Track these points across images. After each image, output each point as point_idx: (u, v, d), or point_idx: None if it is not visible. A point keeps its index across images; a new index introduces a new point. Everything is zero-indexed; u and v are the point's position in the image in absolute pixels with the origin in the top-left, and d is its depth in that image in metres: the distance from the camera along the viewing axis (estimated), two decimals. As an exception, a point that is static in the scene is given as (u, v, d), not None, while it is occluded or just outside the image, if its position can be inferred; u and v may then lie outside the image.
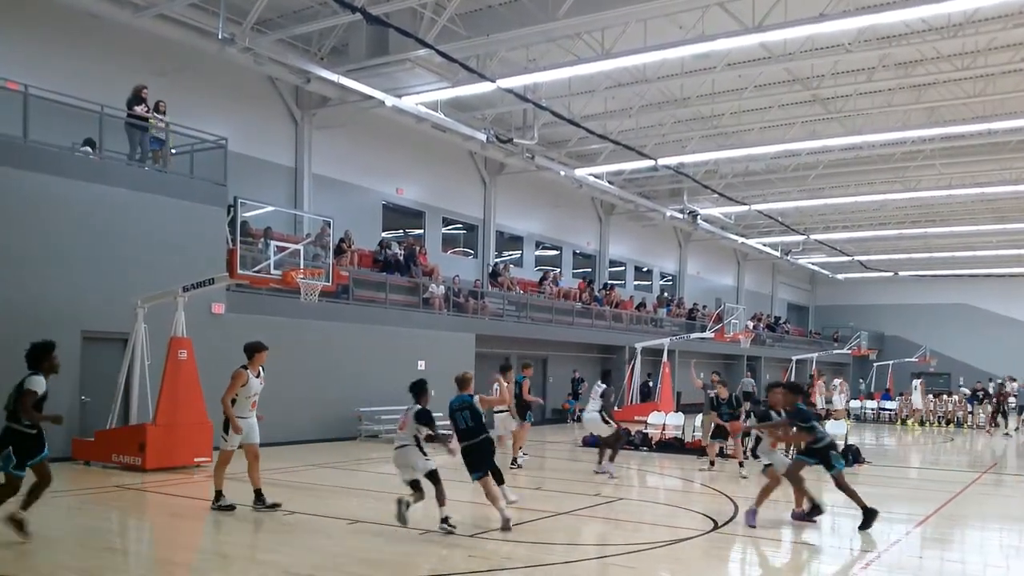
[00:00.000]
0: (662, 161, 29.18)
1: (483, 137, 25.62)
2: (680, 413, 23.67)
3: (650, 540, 9.83)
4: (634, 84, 24.50)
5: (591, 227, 38.77)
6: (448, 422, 10.56)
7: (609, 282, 38.37)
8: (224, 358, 17.04)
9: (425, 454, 10.07)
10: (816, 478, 11.98)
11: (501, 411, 17.15)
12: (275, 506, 11.19)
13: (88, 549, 9.09)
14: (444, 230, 30.27)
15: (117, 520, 11.44)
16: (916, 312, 57.00)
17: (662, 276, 45.49)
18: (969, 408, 33.25)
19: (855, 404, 36.45)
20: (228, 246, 16.94)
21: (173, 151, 18.07)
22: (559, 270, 35.87)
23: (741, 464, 16.46)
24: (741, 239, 44.35)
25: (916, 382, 33.66)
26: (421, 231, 29.08)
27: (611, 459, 15.51)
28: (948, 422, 32.43)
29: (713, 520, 11.09)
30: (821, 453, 10.98)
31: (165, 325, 15.33)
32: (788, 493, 11.54)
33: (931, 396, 34.39)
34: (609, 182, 32.63)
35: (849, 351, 49.64)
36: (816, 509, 11.22)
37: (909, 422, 33.02)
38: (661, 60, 21.42)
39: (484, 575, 7.91)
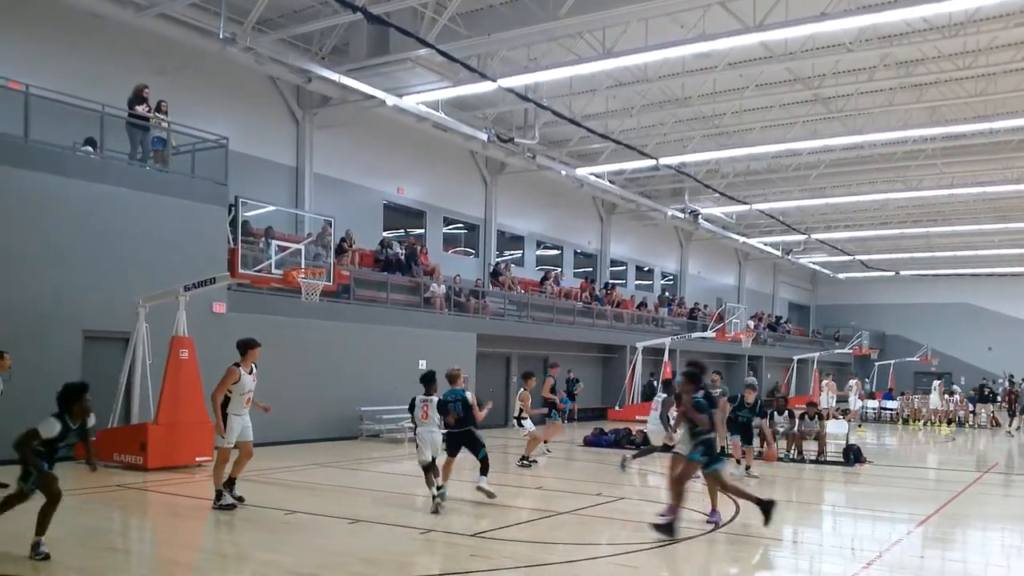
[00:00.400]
0: (663, 160, 29.18)
1: (484, 136, 25.62)
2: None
3: (651, 540, 9.82)
4: (635, 83, 24.50)
5: (592, 226, 38.77)
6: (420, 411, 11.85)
7: (610, 282, 38.36)
8: (225, 357, 17.03)
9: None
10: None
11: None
12: (238, 499, 11.25)
13: (89, 548, 9.10)
14: (445, 230, 30.27)
15: (119, 519, 11.44)
16: (917, 311, 57.00)
17: (663, 276, 45.48)
18: (971, 407, 33.21)
19: (857, 404, 36.39)
20: (229, 245, 16.93)
21: (175, 150, 18.06)
22: (560, 270, 35.87)
23: (748, 468, 16.13)
24: (742, 238, 44.34)
25: (936, 383, 33.39)
26: (422, 231, 29.08)
27: (634, 457, 16.44)
28: (950, 422, 32.38)
29: (714, 520, 11.07)
30: (701, 444, 10.36)
31: (166, 324, 15.33)
32: (788, 493, 11.51)
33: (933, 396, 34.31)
34: (610, 181, 32.62)
35: (850, 351, 49.64)
36: (672, 518, 10.15)
37: (930, 424, 32.65)
38: (662, 59, 21.42)
39: (485, 574, 7.90)
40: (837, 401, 32.32)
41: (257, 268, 15.37)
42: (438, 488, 11.16)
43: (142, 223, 16.67)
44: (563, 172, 30.41)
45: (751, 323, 40.63)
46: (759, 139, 29.44)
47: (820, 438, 18.57)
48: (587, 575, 8.46)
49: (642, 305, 39.13)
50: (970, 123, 26.26)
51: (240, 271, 14.87)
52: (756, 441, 17.93)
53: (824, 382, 34.19)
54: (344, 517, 10.76)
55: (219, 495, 11.09)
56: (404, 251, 25.77)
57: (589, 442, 21.00)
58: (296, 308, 18.73)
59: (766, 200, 38.08)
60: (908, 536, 10.87)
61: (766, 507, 10.30)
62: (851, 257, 49.85)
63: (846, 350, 49.49)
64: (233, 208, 16.91)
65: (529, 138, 26.28)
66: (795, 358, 42.37)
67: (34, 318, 15.02)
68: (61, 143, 16.12)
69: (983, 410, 33.01)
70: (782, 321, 54.56)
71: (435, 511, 10.84)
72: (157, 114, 17.63)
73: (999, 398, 35.25)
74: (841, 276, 57.35)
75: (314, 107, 23.94)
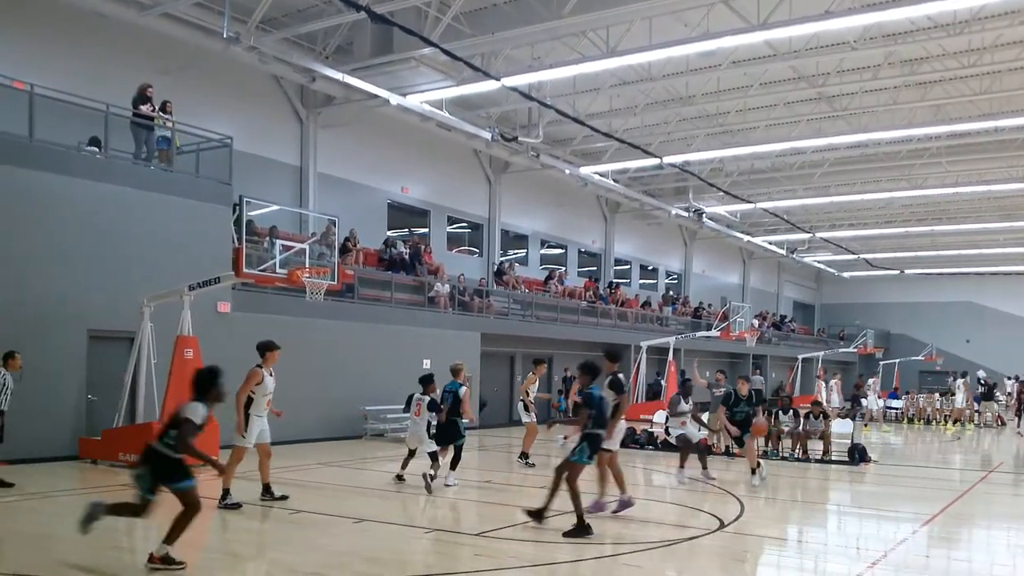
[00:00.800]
0: (667, 159, 29.14)
1: (488, 135, 25.60)
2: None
3: (657, 539, 9.82)
4: (639, 82, 24.48)
5: (596, 225, 38.75)
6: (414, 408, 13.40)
7: (614, 281, 38.35)
8: (230, 357, 17.03)
9: (431, 436, 13.21)
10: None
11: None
12: (284, 497, 11.42)
13: (94, 548, 9.10)
14: (449, 229, 30.27)
15: (124, 519, 11.41)
16: (922, 310, 56.92)
17: (667, 274, 45.45)
18: (976, 406, 33.10)
19: (867, 403, 36.28)
20: (234, 245, 16.96)
21: (179, 149, 18.08)
22: (564, 269, 35.86)
23: (754, 471, 14.51)
24: (747, 237, 44.29)
25: (959, 381, 33.11)
26: (426, 230, 29.09)
27: (680, 466, 15.03)
28: (955, 421, 32.29)
29: (719, 519, 11.06)
30: (585, 441, 10.21)
31: (171, 324, 15.35)
32: (792, 493, 11.49)
33: (938, 395, 34.23)
34: (614, 180, 32.59)
35: (855, 349, 49.57)
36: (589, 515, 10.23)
37: (954, 424, 32.44)
38: (666, 58, 21.40)
39: (490, 573, 7.90)
40: (852, 401, 32.12)
41: (261, 267, 15.38)
42: (431, 476, 12.64)
43: (147, 223, 16.69)
44: (567, 171, 30.39)
45: (755, 322, 40.61)
46: (763, 137, 29.41)
47: (825, 437, 18.53)
48: (591, 575, 8.46)
49: (646, 304, 39.11)
50: (975, 121, 26.21)
51: (244, 270, 14.89)
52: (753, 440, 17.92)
53: (832, 381, 34.14)
54: (349, 516, 10.77)
55: (225, 494, 11.11)
56: (408, 250, 25.78)
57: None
58: (300, 307, 18.75)
59: (770, 199, 38.04)
60: (913, 535, 10.85)
61: (579, 530, 9.69)
62: (856, 256, 49.78)
63: (851, 349, 49.41)
64: (237, 208, 16.93)
65: (533, 137, 26.27)
66: (800, 357, 42.30)
67: (39, 318, 15.05)
68: (65, 143, 16.16)
69: (987, 409, 32.89)
70: (787, 320, 54.50)
71: (428, 489, 12.46)
72: (161, 113, 17.65)
73: (1002, 397, 35.13)
74: (846, 275, 57.28)
75: (318, 106, 23.95)
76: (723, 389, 19.22)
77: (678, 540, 9.78)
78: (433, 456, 13.02)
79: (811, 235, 44.05)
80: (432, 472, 12.73)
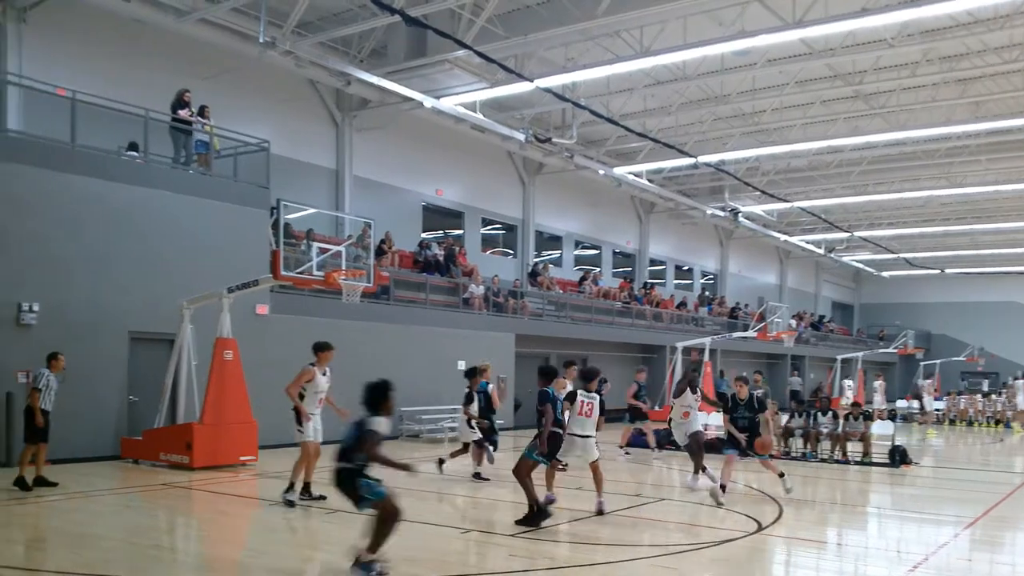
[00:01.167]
0: (702, 159, 28.98)
1: (522, 137, 25.62)
2: (722, 413, 23.34)
3: (693, 541, 9.77)
4: (674, 81, 24.36)
5: (631, 226, 38.62)
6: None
7: (649, 281, 38.18)
8: (268, 358, 17.34)
9: (472, 428, 14.35)
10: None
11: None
12: (322, 497, 11.51)
13: (136, 546, 9.25)
14: (483, 230, 30.34)
15: (164, 518, 11.62)
16: (963, 310, 55.99)
17: (703, 275, 45.17)
18: (1022, 408, 32.52)
19: (901, 404, 35.86)
20: (271, 248, 17.11)
21: (218, 153, 18.31)
22: (599, 269, 35.78)
23: (782, 475, 13.20)
24: (784, 237, 43.86)
25: (1020, 381, 32.62)
26: (460, 231, 29.18)
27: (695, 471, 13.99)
28: (998, 422, 31.77)
29: (757, 521, 10.98)
30: (537, 439, 10.59)
31: (210, 326, 15.54)
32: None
33: (979, 396, 33.71)
34: (649, 180, 32.44)
35: (895, 350, 48.86)
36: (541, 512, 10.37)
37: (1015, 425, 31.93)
38: (701, 57, 21.29)
39: (525, 574, 7.91)
40: (918, 401, 31.63)
41: (299, 270, 15.51)
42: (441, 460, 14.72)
43: (186, 226, 16.93)
44: (601, 172, 30.32)
45: (793, 322, 40.18)
46: (800, 136, 29.13)
47: (865, 439, 18.32)
48: (628, 576, 8.44)
49: (682, 305, 38.90)
50: (1016, 118, 25.68)
51: (282, 273, 15.02)
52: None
53: (876, 383, 33.78)
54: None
55: (291, 487, 11.51)
56: (443, 252, 25.88)
57: (629, 443, 20.86)
58: (337, 309, 18.88)
59: (807, 198, 37.66)
60: (955, 539, 10.69)
61: (534, 516, 10.11)
62: (895, 255, 49.09)
63: (891, 349, 48.72)
64: (275, 211, 17.10)
65: (567, 138, 26.25)
66: (839, 358, 41.80)
67: (81, 320, 15.32)
68: (106, 148, 16.45)
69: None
70: (825, 320, 53.91)
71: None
72: (200, 118, 17.88)
73: None
74: (885, 274, 56.53)
75: (353, 110, 24.14)
76: (761, 391, 19.09)
77: (715, 543, 9.72)
78: (466, 446, 14.59)
79: (849, 234, 43.53)
80: (445, 458, 14.85)
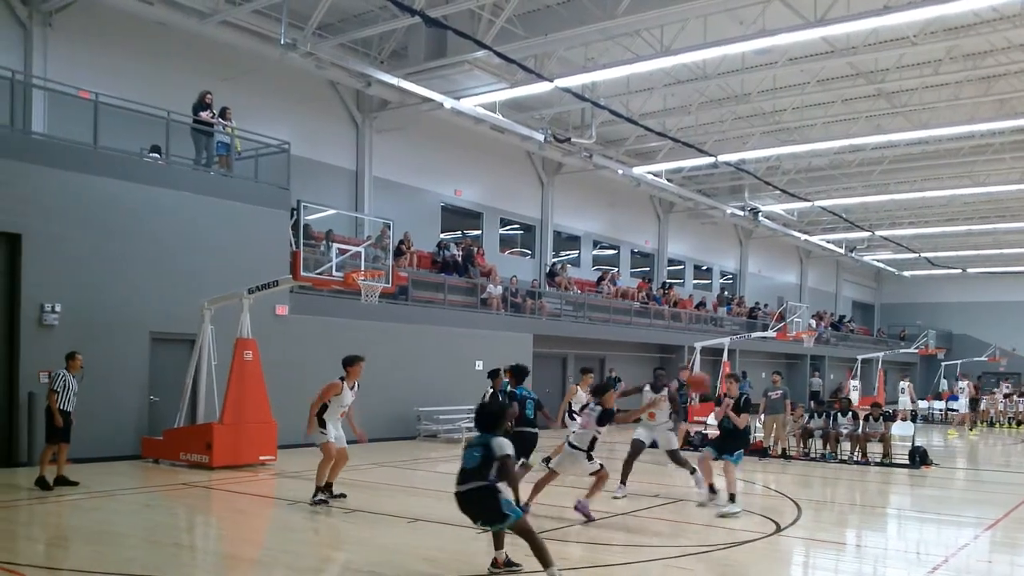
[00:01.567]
0: (722, 158, 28.89)
1: (541, 137, 25.62)
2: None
3: (710, 542, 9.74)
4: (694, 81, 24.29)
5: (649, 226, 38.53)
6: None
7: (668, 281, 38.09)
8: (288, 359, 17.46)
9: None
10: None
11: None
12: (341, 495, 11.62)
13: (157, 545, 9.33)
14: (502, 231, 30.37)
15: (185, 517, 11.72)
16: (985, 310, 55.49)
17: (722, 274, 45.00)
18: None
19: (922, 404, 35.60)
20: (291, 248, 17.22)
21: (239, 155, 18.43)
22: (617, 269, 35.71)
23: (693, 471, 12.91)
24: (804, 236, 43.61)
25: None
26: (479, 232, 29.22)
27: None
28: (1019, 423, 31.48)
29: (775, 522, 10.94)
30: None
31: (231, 326, 15.65)
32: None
33: (1002, 396, 33.41)
34: (668, 180, 32.37)
35: (916, 350, 48.52)
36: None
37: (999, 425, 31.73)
38: (721, 56, 21.23)
39: (541, 574, 7.92)
40: (971, 403, 31.35)
41: (318, 271, 15.59)
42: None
43: (207, 227, 17.06)
44: (620, 171, 30.27)
45: (813, 322, 39.99)
46: (821, 135, 28.96)
47: (885, 440, 18.22)
48: (645, 577, 8.42)
49: (700, 305, 38.77)
50: (1042, 116, 25.48)
51: (302, 274, 15.11)
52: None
53: (903, 383, 33.58)
54: (403, 516, 10.88)
55: (317, 490, 11.51)
56: (461, 252, 25.92)
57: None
58: (356, 310, 18.96)
59: (828, 197, 37.44)
60: (975, 540, 10.61)
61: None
62: (916, 254, 48.73)
63: (912, 350, 48.39)
64: (295, 212, 17.21)
65: (586, 138, 26.24)
66: (859, 358, 41.54)
67: (102, 321, 15.47)
68: (128, 149, 16.60)
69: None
70: (845, 320, 53.58)
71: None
72: (221, 119, 18.01)
73: None
74: (906, 274, 56.12)
75: (373, 111, 24.23)
76: (780, 391, 19.02)
77: (733, 544, 9.69)
78: None
79: (870, 233, 43.24)
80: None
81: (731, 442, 11.95)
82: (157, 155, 17.05)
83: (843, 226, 42.49)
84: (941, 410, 35.16)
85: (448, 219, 28.12)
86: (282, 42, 18.10)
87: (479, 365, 21.39)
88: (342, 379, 11.55)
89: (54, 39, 17.54)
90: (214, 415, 15.51)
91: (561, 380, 28.69)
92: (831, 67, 23.52)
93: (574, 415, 16.19)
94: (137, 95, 16.82)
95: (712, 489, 12.17)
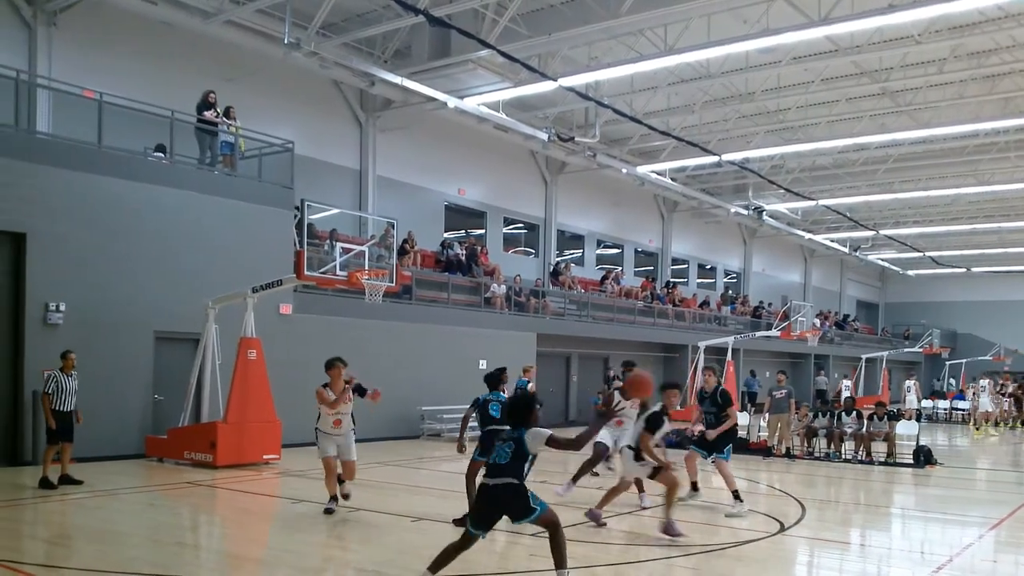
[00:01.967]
0: (726, 157, 28.86)
1: (544, 136, 25.62)
2: (745, 413, 23.27)
3: (714, 542, 9.74)
4: (697, 80, 24.28)
5: (653, 225, 38.52)
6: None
7: (671, 280, 38.07)
8: (292, 358, 17.47)
9: None
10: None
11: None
12: (345, 496, 11.13)
13: (160, 544, 9.35)
14: (505, 230, 30.38)
15: (188, 516, 11.74)
16: (990, 309, 55.39)
17: (726, 273, 44.97)
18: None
19: (927, 404, 35.52)
20: (295, 248, 17.23)
21: (243, 154, 18.45)
22: (621, 268, 35.71)
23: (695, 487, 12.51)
24: (808, 235, 43.57)
25: None
26: (483, 231, 29.23)
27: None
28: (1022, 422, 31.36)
29: (779, 522, 10.93)
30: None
31: (235, 325, 15.68)
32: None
33: (1007, 395, 33.28)
34: (672, 179, 32.35)
35: (921, 349, 48.41)
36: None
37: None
38: (725, 55, 21.21)
39: (545, 574, 7.92)
40: (1016, 402, 31.16)
41: (322, 270, 15.60)
42: None
43: (211, 226, 17.08)
44: (624, 170, 30.26)
45: (817, 321, 39.89)
46: (825, 134, 28.92)
47: (889, 439, 18.19)
48: (648, 576, 8.42)
49: (704, 304, 38.74)
50: (1046, 115, 25.42)
51: (306, 273, 15.11)
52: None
53: (908, 382, 33.50)
54: (406, 515, 10.88)
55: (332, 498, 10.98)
56: (464, 252, 25.93)
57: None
58: (359, 309, 18.97)
59: (832, 196, 37.41)
60: (980, 540, 10.59)
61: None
62: (921, 253, 48.65)
63: (916, 349, 48.28)
64: (299, 211, 17.22)
65: (590, 137, 26.24)
66: (863, 357, 41.47)
67: (106, 320, 15.50)
68: (133, 149, 16.63)
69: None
70: (850, 319, 53.50)
71: None
72: (225, 119, 18.03)
73: None
74: (911, 273, 56.01)
75: (377, 110, 24.25)
76: (784, 391, 19.00)
77: (737, 543, 9.68)
78: None
79: (875, 232, 43.19)
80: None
81: (719, 440, 11.80)
82: (162, 154, 17.07)
83: (847, 225, 42.42)
84: (946, 409, 35.10)
85: (452, 218, 28.13)
86: (286, 41, 18.11)
87: (483, 364, 21.38)
88: (325, 385, 10.82)
89: (58, 39, 17.58)
90: (218, 414, 15.53)
91: (565, 379, 28.70)
92: (835, 66, 23.50)
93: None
94: (141, 94, 16.84)
95: (695, 487, 12.29)
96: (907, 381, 33.65)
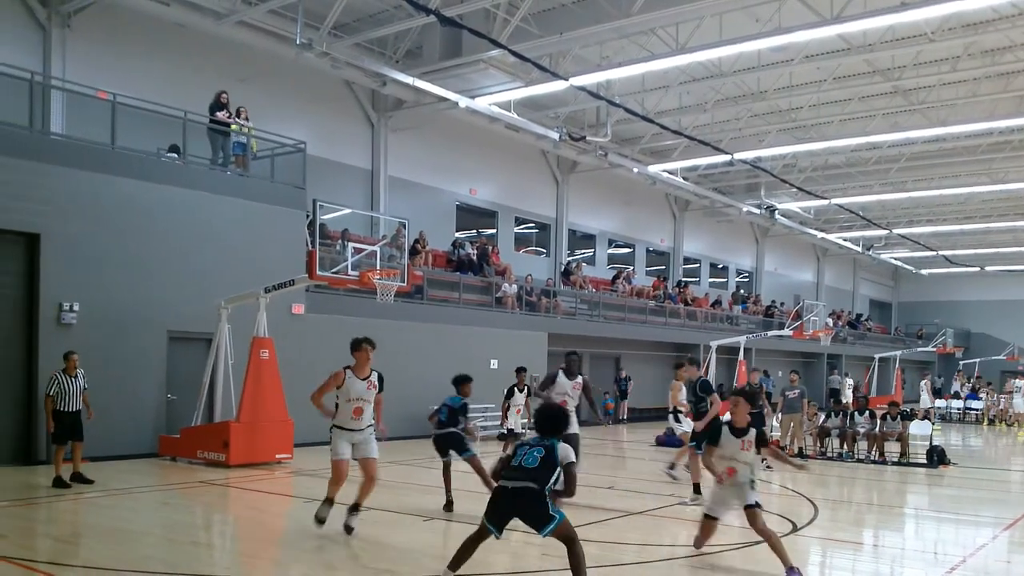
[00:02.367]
0: (738, 156, 28.78)
1: (556, 136, 25.60)
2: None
3: (726, 542, 9.71)
4: (709, 78, 24.21)
5: (665, 224, 38.45)
6: None
7: (683, 279, 37.99)
8: (304, 357, 17.52)
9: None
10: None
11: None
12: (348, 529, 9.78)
13: (174, 543, 9.39)
14: (517, 229, 30.38)
15: (202, 514, 11.79)
16: (1004, 308, 55.03)
17: (738, 273, 44.85)
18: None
19: (940, 403, 35.38)
20: (307, 248, 17.29)
21: (255, 154, 18.51)
22: (632, 268, 35.66)
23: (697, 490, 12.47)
24: (821, 234, 43.40)
25: None
26: (494, 231, 29.24)
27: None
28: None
29: (792, 522, 10.90)
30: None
31: (247, 325, 15.74)
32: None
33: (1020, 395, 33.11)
34: (683, 178, 32.29)
35: (934, 348, 48.19)
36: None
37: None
38: (737, 54, 21.15)
39: (557, 573, 7.92)
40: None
41: (334, 270, 15.65)
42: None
43: (223, 226, 17.14)
44: (635, 170, 30.22)
45: (830, 321, 39.75)
46: (837, 132, 28.80)
47: (902, 439, 18.12)
48: (660, 576, 8.41)
49: (716, 303, 38.65)
50: (1061, 113, 25.24)
51: (318, 273, 15.16)
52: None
53: (923, 382, 33.37)
54: (418, 514, 10.91)
55: (354, 507, 9.82)
56: (476, 251, 25.95)
57: (662, 442, 20.85)
58: (371, 309, 19.00)
59: (845, 194, 37.25)
60: (994, 540, 10.54)
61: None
62: (934, 252, 48.39)
63: (930, 348, 48.07)
64: (311, 211, 17.28)
65: (601, 136, 26.21)
66: (876, 356, 41.31)
67: (120, 320, 15.57)
68: (146, 149, 16.70)
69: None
70: (863, 319, 53.28)
71: None
72: (237, 119, 18.09)
73: None
74: (924, 272, 55.74)
75: (388, 110, 24.29)
76: (797, 391, 18.94)
77: (749, 543, 9.66)
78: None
79: (888, 231, 42.99)
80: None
81: (702, 432, 11.73)
82: (175, 155, 17.15)
83: (860, 224, 42.24)
84: (959, 409, 34.94)
85: (463, 218, 28.15)
86: (298, 42, 18.16)
87: (494, 364, 21.41)
88: (347, 368, 9.78)
89: (72, 40, 17.67)
90: (231, 413, 15.59)
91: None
92: (848, 64, 23.40)
93: (679, 416, 14.79)
94: (154, 95, 16.92)
95: (697, 489, 12.34)
96: (922, 381, 33.52)
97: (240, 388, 15.62)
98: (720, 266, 43.35)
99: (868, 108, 27.28)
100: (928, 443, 18.38)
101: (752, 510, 8.20)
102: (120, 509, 11.33)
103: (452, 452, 11.53)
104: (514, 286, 25.98)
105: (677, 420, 14.75)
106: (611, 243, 35.42)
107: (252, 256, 17.30)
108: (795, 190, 34.06)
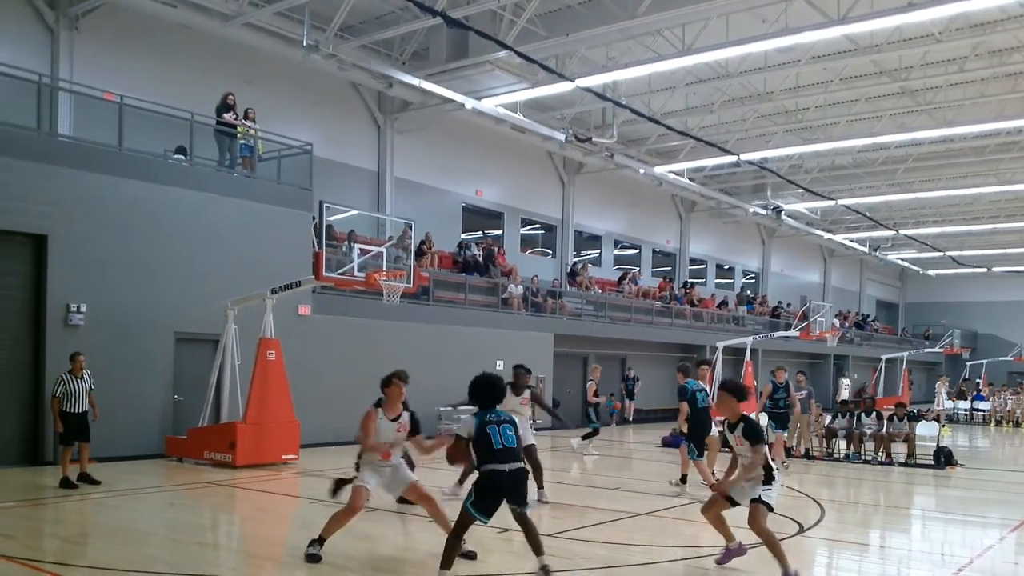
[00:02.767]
0: (744, 156, 28.75)
1: (562, 137, 25.62)
2: (764, 414, 23.17)
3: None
4: (715, 79, 24.20)
5: (671, 225, 38.42)
6: None
7: (689, 280, 37.95)
8: (311, 358, 17.56)
9: None
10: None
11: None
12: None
13: (180, 543, 9.41)
14: (523, 230, 30.38)
15: (208, 515, 11.81)
16: (1011, 309, 54.90)
17: (744, 273, 44.79)
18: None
19: (947, 404, 35.29)
20: (314, 249, 17.33)
21: (261, 156, 18.55)
22: (638, 269, 35.65)
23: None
24: (827, 235, 43.34)
25: None
26: (500, 232, 29.25)
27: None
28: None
29: (798, 523, 10.88)
30: None
31: (254, 326, 15.75)
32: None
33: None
34: (690, 179, 32.27)
35: (941, 349, 48.07)
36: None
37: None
38: (743, 55, 21.14)
39: (563, 574, 7.92)
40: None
41: (340, 271, 15.68)
42: None
43: (230, 228, 17.18)
44: (641, 171, 30.21)
45: (836, 322, 39.69)
46: (844, 133, 28.75)
47: (909, 440, 18.08)
48: (666, 578, 8.40)
49: (722, 304, 38.60)
50: (1069, 113, 25.15)
51: (324, 274, 15.20)
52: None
53: (937, 383, 33.33)
54: (423, 514, 10.89)
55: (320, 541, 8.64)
56: (482, 252, 25.97)
57: (668, 443, 20.81)
58: (377, 310, 19.05)
59: (852, 195, 37.19)
60: (1001, 542, 10.50)
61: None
62: (941, 253, 48.28)
63: (936, 349, 47.95)
64: (317, 213, 17.31)
65: (607, 137, 26.21)
66: (883, 358, 41.18)
67: (127, 321, 15.62)
68: (153, 151, 16.75)
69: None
70: (869, 319, 53.17)
71: None
72: (244, 121, 18.13)
73: None
74: (931, 273, 55.61)
75: (395, 112, 24.32)
76: (804, 391, 18.91)
77: (754, 544, 9.64)
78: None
79: (895, 232, 42.89)
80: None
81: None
82: (182, 157, 17.20)
83: (867, 225, 42.17)
84: (967, 410, 34.84)
85: (469, 219, 28.18)
86: (304, 44, 18.23)
87: (500, 365, 21.40)
88: (377, 405, 9.07)
89: (80, 42, 17.74)
90: (238, 414, 15.62)
91: (581, 380, 28.62)
92: (854, 65, 23.36)
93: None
94: (161, 97, 16.97)
95: (683, 479, 13.15)
96: (936, 382, 33.51)
97: (247, 389, 15.63)
98: (726, 267, 43.31)
99: (875, 109, 27.23)
100: (936, 444, 18.33)
101: (755, 505, 7.93)
102: (126, 510, 11.36)
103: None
104: (520, 287, 25.99)
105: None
106: (617, 244, 35.40)
107: (258, 257, 17.34)
108: (802, 191, 34.01)
